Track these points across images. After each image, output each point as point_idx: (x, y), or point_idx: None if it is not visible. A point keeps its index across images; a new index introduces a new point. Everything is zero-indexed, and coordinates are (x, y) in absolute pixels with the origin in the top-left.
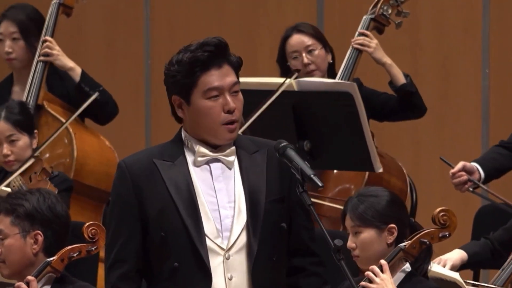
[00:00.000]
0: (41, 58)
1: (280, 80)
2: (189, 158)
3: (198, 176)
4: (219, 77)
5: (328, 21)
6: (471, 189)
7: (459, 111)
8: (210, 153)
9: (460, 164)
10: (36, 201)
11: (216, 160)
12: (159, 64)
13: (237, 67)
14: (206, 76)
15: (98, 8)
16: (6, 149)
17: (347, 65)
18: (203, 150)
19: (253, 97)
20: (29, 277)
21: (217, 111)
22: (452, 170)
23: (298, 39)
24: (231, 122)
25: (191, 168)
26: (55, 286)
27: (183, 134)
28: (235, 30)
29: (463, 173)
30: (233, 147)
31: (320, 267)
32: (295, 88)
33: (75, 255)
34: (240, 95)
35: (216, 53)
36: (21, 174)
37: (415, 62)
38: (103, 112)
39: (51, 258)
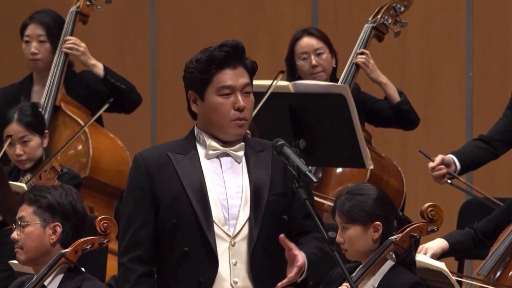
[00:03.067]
0: (67, 50)
1: (278, 82)
2: (201, 152)
3: (209, 168)
4: (232, 76)
5: (322, 28)
6: (449, 181)
7: (444, 112)
8: (221, 147)
9: (438, 158)
10: (59, 195)
11: (226, 154)
12: (164, 68)
13: (251, 71)
14: (221, 75)
15: (108, 16)
16: (18, 149)
17: (345, 79)
18: (214, 144)
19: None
20: None
21: (227, 108)
22: (431, 164)
23: (308, 42)
24: (240, 119)
25: (203, 160)
26: (67, 275)
27: (196, 130)
28: (236, 35)
29: (442, 166)
30: (242, 143)
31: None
32: (292, 90)
33: (88, 247)
34: (252, 97)
35: (232, 54)
36: (32, 172)
37: (403, 65)
38: (130, 100)
39: (66, 250)
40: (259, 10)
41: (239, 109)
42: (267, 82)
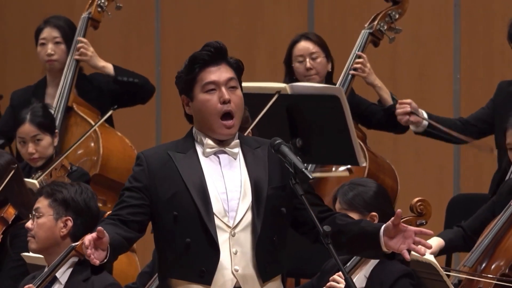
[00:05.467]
0: (77, 57)
1: (274, 84)
2: (199, 150)
3: (208, 165)
4: (215, 73)
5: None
6: (414, 129)
7: (433, 112)
8: (217, 145)
9: (408, 99)
10: (74, 192)
11: (223, 152)
12: (168, 70)
13: (237, 68)
14: (204, 73)
15: (115, 22)
16: (31, 148)
17: (342, 84)
18: (210, 142)
19: (250, 100)
20: (31, 286)
21: (214, 103)
22: (400, 100)
23: (305, 45)
24: (228, 116)
25: (201, 158)
26: (76, 268)
27: (194, 130)
28: (236, 41)
29: (407, 105)
30: (237, 141)
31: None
32: (289, 91)
33: None
34: (239, 91)
35: (215, 54)
36: (43, 170)
37: (394, 68)
38: (145, 91)
39: (76, 243)
40: (258, 17)
41: (225, 102)
42: (265, 84)
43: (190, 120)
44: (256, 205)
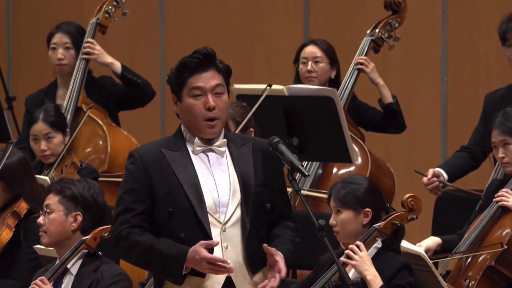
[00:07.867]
0: (85, 56)
1: (273, 86)
2: (189, 148)
3: (198, 162)
4: (203, 79)
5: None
6: (442, 189)
7: (422, 113)
8: (205, 144)
9: (430, 171)
10: (82, 188)
11: (211, 150)
12: None
13: (225, 73)
14: (193, 78)
15: (122, 27)
16: (43, 145)
17: (348, 82)
18: (199, 141)
19: (249, 100)
20: (43, 278)
21: (199, 108)
22: (425, 180)
23: (311, 49)
24: (211, 119)
25: (192, 156)
26: (86, 259)
27: (182, 128)
28: (236, 45)
29: (434, 179)
30: (224, 140)
31: (293, 223)
32: (286, 93)
33: (105, 234)
34: (224, 97)
35: (203, 60)
36: (54, 166)
37: (385, 72)
38: (146, 94)
39: (86, 237)
40: (257, 24)
41: (209, 109)
42: (263, 86)
43: (178, 116)
44: (245, 201)
